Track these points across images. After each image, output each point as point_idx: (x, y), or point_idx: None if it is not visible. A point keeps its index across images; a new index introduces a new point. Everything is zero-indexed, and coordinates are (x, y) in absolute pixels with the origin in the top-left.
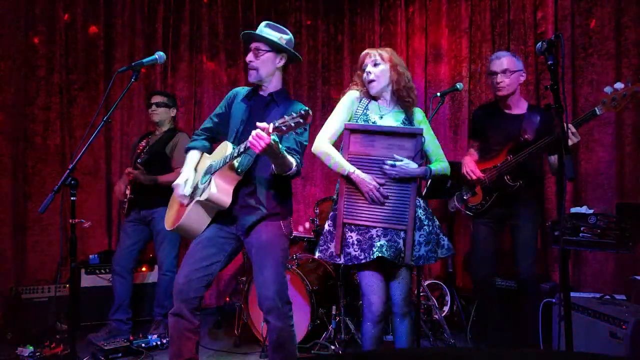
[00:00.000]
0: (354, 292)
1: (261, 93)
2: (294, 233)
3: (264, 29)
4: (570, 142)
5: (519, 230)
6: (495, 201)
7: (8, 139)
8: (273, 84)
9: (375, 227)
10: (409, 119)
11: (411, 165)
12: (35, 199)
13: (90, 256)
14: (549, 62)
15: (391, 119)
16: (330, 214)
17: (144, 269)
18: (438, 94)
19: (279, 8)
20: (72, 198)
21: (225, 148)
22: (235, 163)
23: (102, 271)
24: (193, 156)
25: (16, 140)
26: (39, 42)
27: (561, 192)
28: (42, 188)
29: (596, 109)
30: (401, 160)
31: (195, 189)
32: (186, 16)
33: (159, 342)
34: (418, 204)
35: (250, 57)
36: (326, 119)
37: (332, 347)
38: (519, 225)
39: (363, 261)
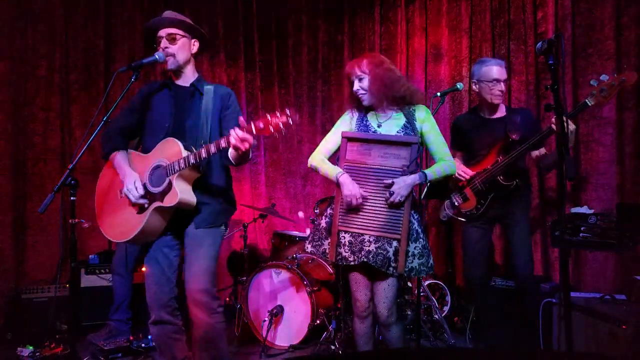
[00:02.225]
0: None
1: (180, 83)
2: (294, 233)
3: (173, 16)
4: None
5: (514, 228)
6: (491, 203)
7: (8, 139)
8: (190, 72)
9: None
10: (410, 121)
11: (407, 181)
12: (35, 199)
13: (90, 256)
14: (550, 62)
15: (391, 125)
16: (328, 211)
17: (144, 268)
18: (438, 93)
19: (279, 8)
20: (72, 198)
21: (175, 147)
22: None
23: (102, 271)
24: (123, 157)
25: (16, 140)
26: (39, 42)
27: (561, 192)
28: (42, 188)
29: (587, 100)
30: (392, 184)
31: (145, 193)
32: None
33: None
34: (415, 217)
35: (165, 43)
36: (326, 119)
37: (332, 347)
38: (514, 224)
39: (352, 263)
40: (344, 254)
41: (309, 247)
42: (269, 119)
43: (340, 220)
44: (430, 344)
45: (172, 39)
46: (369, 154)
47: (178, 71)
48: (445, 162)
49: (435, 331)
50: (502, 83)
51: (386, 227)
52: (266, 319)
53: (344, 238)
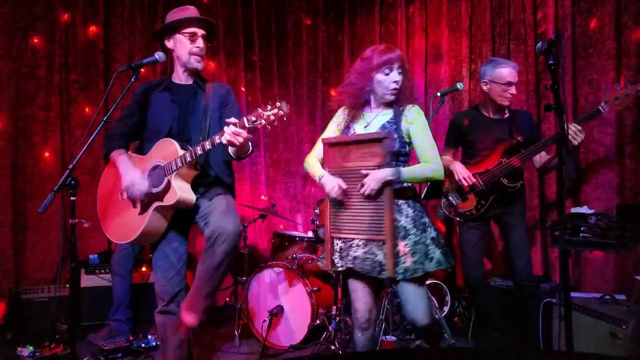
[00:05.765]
0: None
1: (181, 82)
2: (294, 233)
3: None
4: (576, 142)
5: (512, 229)
6: (492, 204)
7: (8, 139)
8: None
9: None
10: (396, 119)
11: (377, 175)
12: (35, 199)
13: (90, 256)
14: (550, 62)
15: (377, 122)
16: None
17: (143, 268)
18: (438, 93)
19: (279, 8)
20: (72, 198)
21: (172, 147)
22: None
23: (102, 271)
24: (124, 156)
25: (16, 140)
26: (39, 42)
27: (561, 192)
28: (42, 188)
29: (600, 107)
30: (367, 175)
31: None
32: None
33: (158, 342)
34: (405, 213)
35: (201, 43)
36: (326, 118)
37: (332, 347)
38: (512, 224)
39: (340, 269)
40: (334, 260)
41: (320, 264)
42: (260, 112)
43: (331, 226)
44: None
45: (205, 41)
46: (348, 156)
47: (198, 71)
48: (429, 164)
49: None
50: (514, 86)
51: (370, 229)
52: (266, 319)
53: (337, 244)
